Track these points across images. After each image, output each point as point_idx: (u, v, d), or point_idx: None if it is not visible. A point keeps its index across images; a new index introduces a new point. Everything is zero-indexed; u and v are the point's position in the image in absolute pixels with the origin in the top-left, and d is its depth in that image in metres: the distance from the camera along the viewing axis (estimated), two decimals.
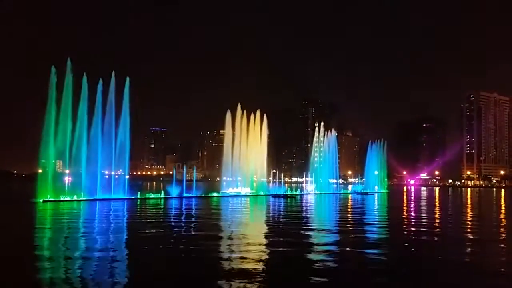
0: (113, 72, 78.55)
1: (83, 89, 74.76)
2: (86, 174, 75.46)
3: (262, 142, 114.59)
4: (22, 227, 39.30)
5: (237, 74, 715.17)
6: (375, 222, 48.11)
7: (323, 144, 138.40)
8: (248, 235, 34.12)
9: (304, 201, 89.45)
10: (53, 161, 74.17)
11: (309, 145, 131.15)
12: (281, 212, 60.00)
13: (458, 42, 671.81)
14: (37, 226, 40.34)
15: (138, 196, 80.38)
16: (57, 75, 70.99)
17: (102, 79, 77.09)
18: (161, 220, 47.25)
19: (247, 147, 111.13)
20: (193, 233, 36.52)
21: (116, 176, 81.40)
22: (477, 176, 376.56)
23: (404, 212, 64.10)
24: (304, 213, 61.30)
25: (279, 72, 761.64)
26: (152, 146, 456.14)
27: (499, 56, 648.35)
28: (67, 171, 79.59)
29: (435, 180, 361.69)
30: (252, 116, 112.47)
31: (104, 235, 34.12)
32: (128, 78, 79.94)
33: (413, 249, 29.67)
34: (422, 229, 40.88)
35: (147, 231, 36.25)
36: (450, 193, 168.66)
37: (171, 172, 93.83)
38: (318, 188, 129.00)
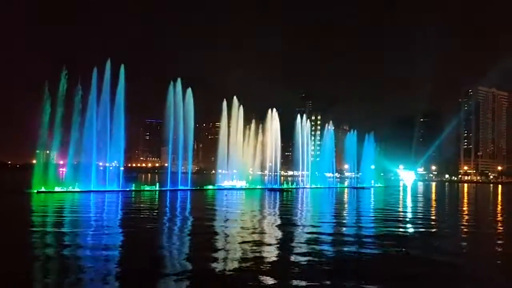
0: (109, 60, 78.04)
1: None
2: (80, 166, 75.17)
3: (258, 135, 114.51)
4: (14, 217, 38.91)
5: (233, 67, 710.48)
6: (371, 216, 47.83)
7: (320, 138, 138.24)
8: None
9: (300, 195, 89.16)
10: (48, 152, 73.83)
11: (305, 138, 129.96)
12: (276, 208, 59.73)
13: (457, 39, 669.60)
14: (32, 215, 40.01)
15: (133, 188, 80.00)
16: (52, 67, 70.69)
17: (97, 68, 76.56)
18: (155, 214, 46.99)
19: (243, 140, 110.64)
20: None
21: (111, 168, 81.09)
22: (474, 171, 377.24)
23: (401, 207, 63.86)
24: (299, 211, 60.80)
25: (276, 65, 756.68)
26: (147, 138, 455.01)
27: (498, 51, 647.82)
28: (61, 162, 79.29)
29: (432, 175, 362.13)
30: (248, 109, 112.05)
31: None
32: (123, 67, 79.62)
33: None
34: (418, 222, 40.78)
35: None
36: (446, 188, 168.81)
37: (166, 165, 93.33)
38: (314, 182, 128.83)
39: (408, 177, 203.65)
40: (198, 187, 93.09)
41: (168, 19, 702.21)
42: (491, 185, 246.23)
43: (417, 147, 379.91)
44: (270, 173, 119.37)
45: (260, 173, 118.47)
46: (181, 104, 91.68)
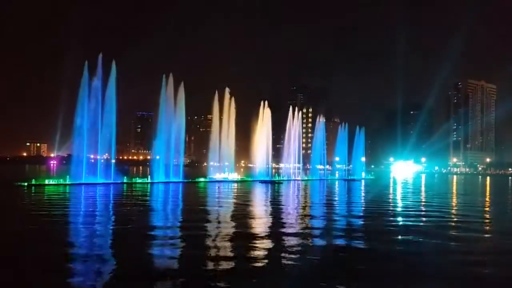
0: (100, 54, 77.88)
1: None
2: (71, 158, 74.86)
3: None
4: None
5: (224, 58, 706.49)
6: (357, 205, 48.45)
7: (312, 130, 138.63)
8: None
9: (291, 187, 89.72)
10: (38, 144, 73.52)
11: (297, 131, 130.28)
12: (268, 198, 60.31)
13: (447, 30, 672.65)
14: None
15: (125, 181, 79.94)
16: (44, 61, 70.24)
17: (88, 62, 76.29)
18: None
19: (235, 132, 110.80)
20: None
21: (102, 161, 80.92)
22: (463, 163, 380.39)
23: (390, 199, 64.56)
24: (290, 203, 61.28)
25: (266, 56, 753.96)
26: (139, 130, 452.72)
27: (487, 44, 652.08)
28: (52, 155, 79.06)
29: (422, 167, 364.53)
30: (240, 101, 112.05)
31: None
32: (114, 61, 79.50)
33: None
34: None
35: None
36: (435, 179, 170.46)
37: (157, 157, 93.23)
38: (305, 174, 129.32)
39: (401, 169, 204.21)
40: (190, 180, 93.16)
41: (166, 16, 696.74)
42: (480, 176, 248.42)
43: (407, 139, 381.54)
44: (262, 166, 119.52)
45: (252, 165, 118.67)
46: (172, 97, 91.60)
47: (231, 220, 34.24)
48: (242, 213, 38.04)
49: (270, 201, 52.18)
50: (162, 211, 41.03)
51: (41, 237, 25.63)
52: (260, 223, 33.11)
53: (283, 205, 47.81)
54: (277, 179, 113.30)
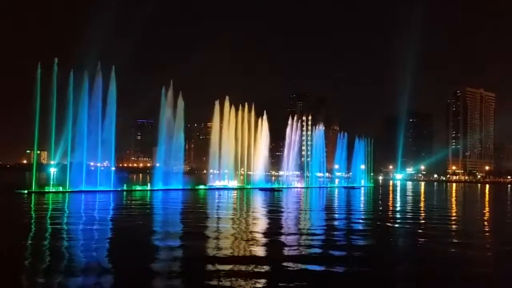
0: (99, 62, 78.32)
1: (69, 80, 74.08)
2: (71, 166, 74.83)
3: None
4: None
5: (223, 66, 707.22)
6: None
7: (311, 138, 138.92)
8: None
9: (291, 195, 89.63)
10: (38, 152, 73.54)
11: (296, 139, 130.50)
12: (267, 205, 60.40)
13: (446, 39, 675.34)
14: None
15: (124, 188, 79.94)
16: (43, 68, 70.51)
17: (88, 70, 76.65)
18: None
19: (235, 140, 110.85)
20: None
21: (102, 168, 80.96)
22: (462, 171, 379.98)
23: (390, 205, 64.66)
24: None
25: (266, 64, 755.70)
26: (139, 138, 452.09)
27: (486, 52, 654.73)
28: (52, 162, 79.10)
29: (420, 175, 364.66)
30: (240, 109, 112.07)
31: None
32: (113, 68, 79.86)
33: None
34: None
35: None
36: (435, 187, 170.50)
37: (157, 164, 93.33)
38: (305, 182, 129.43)
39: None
40: (190, 187, 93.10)
41: (165, 18, 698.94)
42: (479, 184, 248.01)
43: (406, 147, 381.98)
44: (261, 173, 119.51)
45: (251, 173, 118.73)
46: (172, 105, 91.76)
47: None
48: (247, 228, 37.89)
49: (271, 210, 51.75)
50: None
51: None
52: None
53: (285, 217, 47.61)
54: (277, 186, 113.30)
